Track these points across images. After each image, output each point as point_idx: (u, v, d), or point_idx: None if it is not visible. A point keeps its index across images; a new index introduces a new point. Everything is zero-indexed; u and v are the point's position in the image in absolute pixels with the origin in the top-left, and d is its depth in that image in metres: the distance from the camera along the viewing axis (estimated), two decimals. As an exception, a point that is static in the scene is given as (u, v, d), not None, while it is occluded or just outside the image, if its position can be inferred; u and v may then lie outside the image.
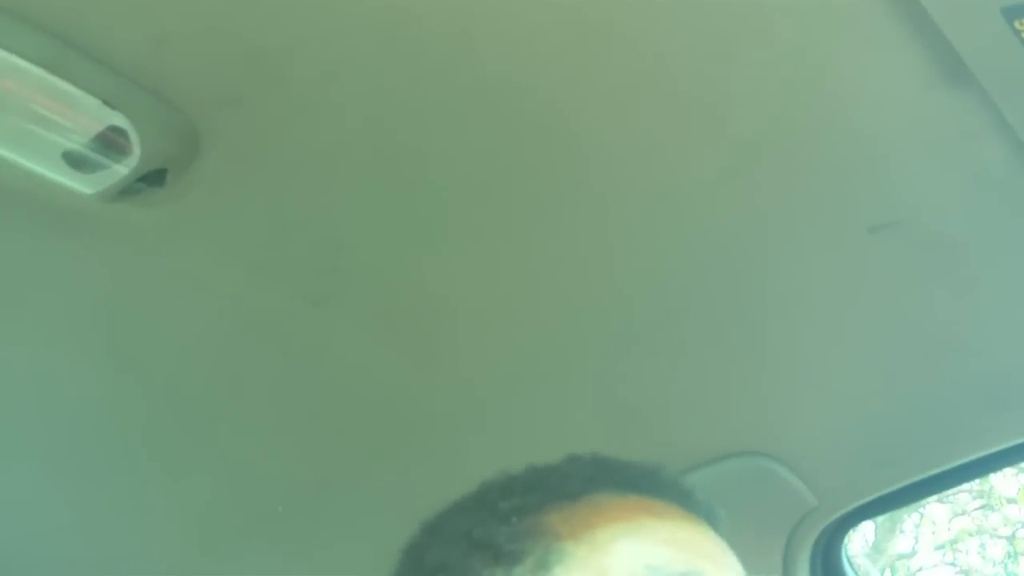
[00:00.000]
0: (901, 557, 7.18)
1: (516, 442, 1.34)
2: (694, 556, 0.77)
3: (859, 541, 6.88)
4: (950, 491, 6.69)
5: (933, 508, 7.05)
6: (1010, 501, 6.73)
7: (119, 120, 0.96)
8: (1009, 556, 6.92)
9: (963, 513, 7.03)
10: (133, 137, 0.98)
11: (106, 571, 1.41)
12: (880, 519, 6.81)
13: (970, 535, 6.99)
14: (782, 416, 1.36)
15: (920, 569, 7.24)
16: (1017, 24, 0.84)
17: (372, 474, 1.41)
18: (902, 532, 7.11)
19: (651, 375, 1.31)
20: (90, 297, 1.15)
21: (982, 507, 6.92)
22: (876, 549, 6.95)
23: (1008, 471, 6.19)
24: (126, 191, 1.03)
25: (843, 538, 1.52)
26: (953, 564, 7.19)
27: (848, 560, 1.55)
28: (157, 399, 1.27)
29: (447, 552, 0.78)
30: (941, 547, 7.10)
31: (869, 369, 1.28)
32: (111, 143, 0.98)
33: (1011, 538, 6.93)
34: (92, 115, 0.96)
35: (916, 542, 7.21)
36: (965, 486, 6.71)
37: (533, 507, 0.78)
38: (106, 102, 0.95)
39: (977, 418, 1.30)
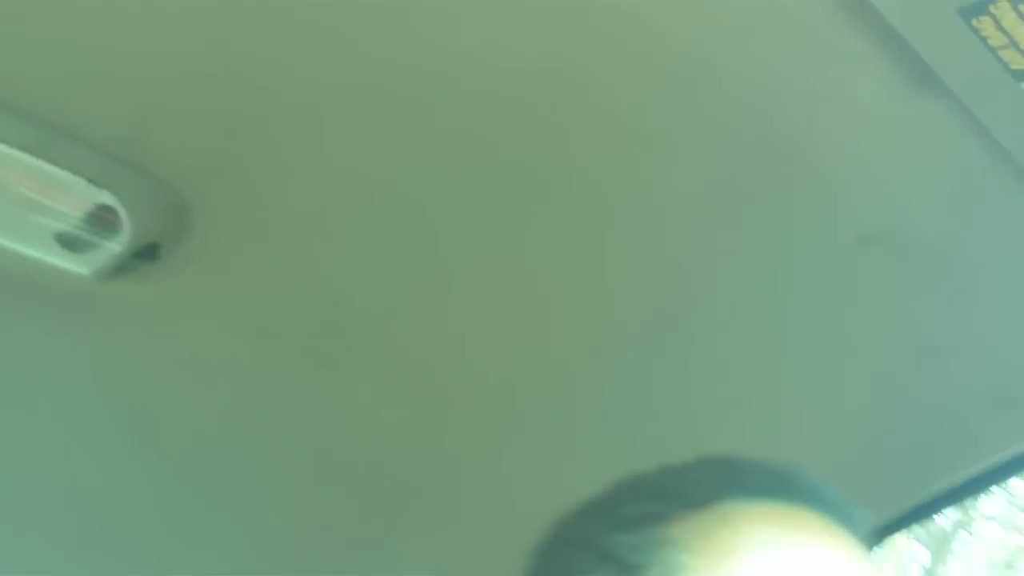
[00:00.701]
0: (956, 580, 7.09)
1: (537, 492, 1.33)
2: (825, 567, 0.74)
3: (914, 568, 6.81)
4: (995, 510, 6.63)
5: (985, 528, 6.98)
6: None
7: (107, 198, 0.98)
8: (1066, 571, 6.82)
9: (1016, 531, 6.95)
10: (122, 214, 1.00)
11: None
12: (931, 543, 6.73)
13: (1024, 553, 6.90)
14: (788, 438, 1.34)
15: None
16: (975, 23, 0.85)
17: (393, 537, 1.40)
18: (952, 553, 7.02)
19: (659, 412, 1.30)
20: (96, 377, 1.16)
21: (1035, 524, 6.85)
22: (930, 574, 6.87)
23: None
24: (121, 269, 1.05)
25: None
26: (1010, 584, 7.10)
27: (877, 579, 1.53)
28: (170, 474, 1.27)
29: (572, 559, 0.78)
30: (996, 567, 7.01)
31: (874, 383, 1.27)
32: (101, 221, 1.00)
33: (1067, 552, 6.84)
34: (80, 195, 0.98)
35: (970, 564, 7.12)
36: (1017, 503, 6.65)
37: (659, 516, 0.76)
38: (92, 181, 0.97)
39: (988, 422, 1.28)
